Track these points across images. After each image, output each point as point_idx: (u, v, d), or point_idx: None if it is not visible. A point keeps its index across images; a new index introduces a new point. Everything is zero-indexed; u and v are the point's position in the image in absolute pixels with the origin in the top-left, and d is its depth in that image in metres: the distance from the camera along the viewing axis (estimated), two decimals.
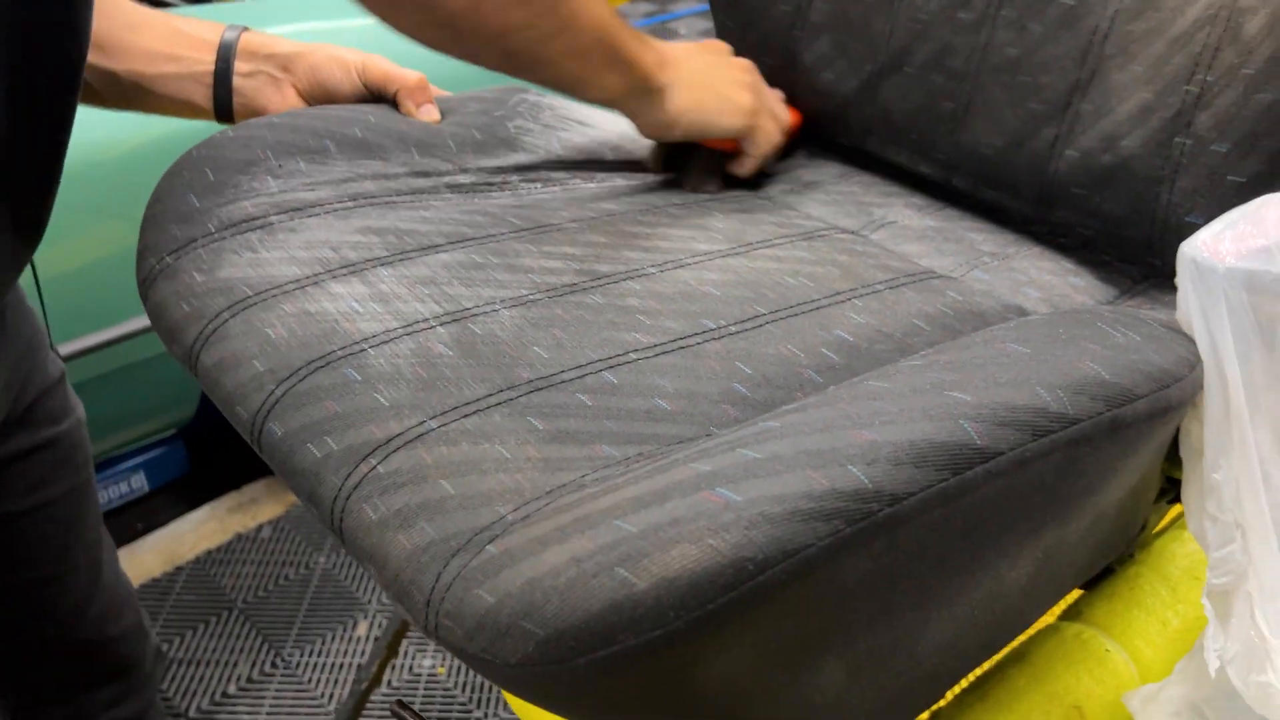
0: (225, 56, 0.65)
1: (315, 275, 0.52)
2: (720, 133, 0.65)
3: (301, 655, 1.53)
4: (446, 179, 0.64)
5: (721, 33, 0.79)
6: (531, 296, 0.52)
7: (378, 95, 0.68)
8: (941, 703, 0.56)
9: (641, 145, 0.73)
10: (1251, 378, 0.45)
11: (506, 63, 0.56)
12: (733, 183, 0.70)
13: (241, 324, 0.49)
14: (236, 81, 0.65)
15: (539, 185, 0.67)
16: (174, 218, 0.56)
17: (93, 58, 0.62)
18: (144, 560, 1.70)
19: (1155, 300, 0.58)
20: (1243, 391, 0.45)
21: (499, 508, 0.38)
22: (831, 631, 0.38)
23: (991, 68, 0.64)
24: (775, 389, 0.47)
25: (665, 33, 4.22)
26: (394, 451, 0.41)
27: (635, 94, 0.61)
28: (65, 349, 1.30)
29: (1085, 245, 0.63)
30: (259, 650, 1.54)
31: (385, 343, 0.47)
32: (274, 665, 1.52)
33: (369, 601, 1.63)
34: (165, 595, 1.63)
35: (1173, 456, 0.51)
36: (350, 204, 0.59)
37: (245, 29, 0.66)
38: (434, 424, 0.42)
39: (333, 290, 0.51)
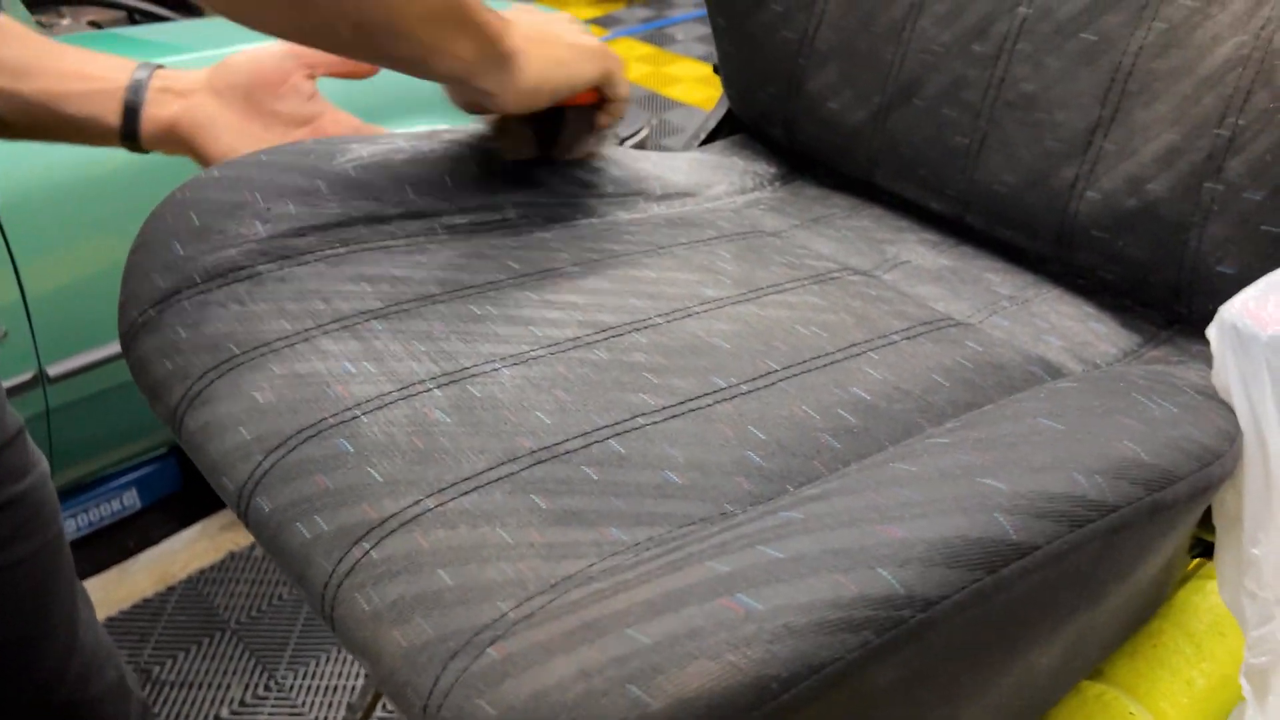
0: (139, 78, 0.63)
1: (306, 330, 0.50)
2: (586, 83, 0.61)
3: (295, 678, 1.51)
4: (443, 219, 0.61)
5: (724, 59, 0.77)
6: (533, 353, 0.50)
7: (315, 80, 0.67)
8: None
9: (633, 173, 0.70)
10: None
11: (357, 37, 0.52)
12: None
13: (228, 386, 0.47)
14: (149, 94, 0.63)
15: (539, 222, 0.65)
16: (157, 266, 0.53)
17: (3, 81, 0.61)
18: (136, 580, 1.67)
19: (1183, 350, 0.56)
20: None
21: (500, 603, 0.36)
22: None
23: (1006, 103, 0.62)
24: (791, 456, 0.44)
25: (663, 38, 4.19)
26: (388, 535, 0.39)
27: (488, 61, 0.55)
28: (55, 369, 1.28)
29: (1106, 288, 0.61)
30: (252, 672, 1.51)
31: (380, 408, 0.45)
32: (267, 688, 1.50)
33: None
34: (157, 616, 1.61)
35: (1203, 519, 0.49)
36: (342, 249, 0.57)
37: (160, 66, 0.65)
38: (431, 503, 0.40)
39: (324, 348, 0.49)
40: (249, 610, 1.62)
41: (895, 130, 0.67)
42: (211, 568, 1.70)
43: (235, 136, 0.64)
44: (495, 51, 0.55)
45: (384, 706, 1.46)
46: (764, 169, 0.76)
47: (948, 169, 0.65)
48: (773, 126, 0.75)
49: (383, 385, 0.46)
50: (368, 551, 0.39)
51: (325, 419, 0.44)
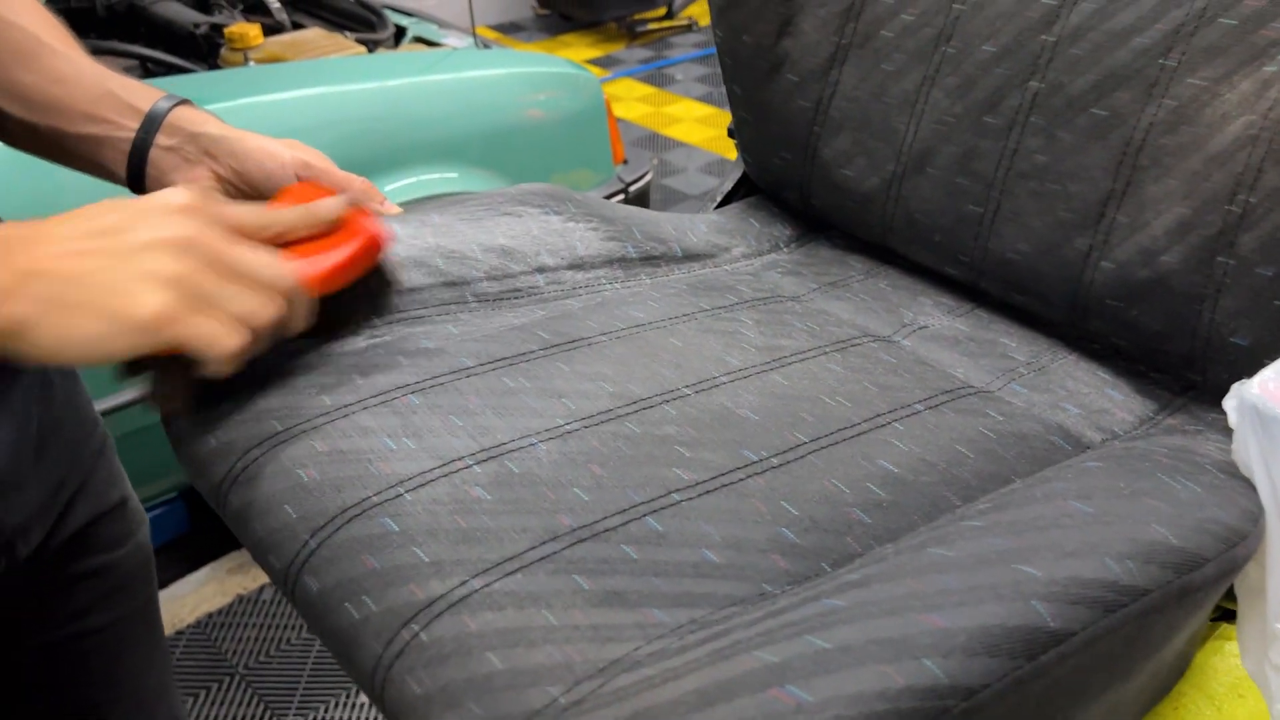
0: (149, 127, 0.60)
1: (346, 406, 0.51)
2: (115, 359, 0.44)
3: None
4: (473, 288, 0.63)
5: (740, 125, 0.79)
6: (567, 426, 0.51)
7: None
8: None
9: (655, 237, 0.72)
10: None
11: None
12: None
13: (272, 463, 0.48)
14: (153, 153, 0.61)
15: (566, 289, 0.66)
16: None
17: (15, 110, 0.60)
18: None
19: (1198, 419, 0.57)
20: None
21: (549, 688, 0.37)
22: None
23: (1019, 174, 0.63)
24: (824, 533, 0.45)
25: (663, 79, 4.23)
26: (436, 617, 0.40)
27: None
28: None
29: (1120, 354, 0.63)
30: (260, 717, 1.51)
31: (422, 486, 0.46)
32: None
33: None
34: None
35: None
36: (377, 321, 0.58)
37: (183, 101, 0.62)
38: (477, 584, 0.41)
39: (364, 424, 0.50)
40: (257, 655, 1.61)
41: (909, 198, 0.69)
42: (220, 612, 1.70)
43: None
44: None
45: None
46: (780, 231, 0.78)
47: (961, 236, 0.66)
48: (788, 190, 0.77)
49: (424, 462, 0.47)
50: (416, 634, 0.40)
51: (369, 497, 0.45)
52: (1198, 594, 0.40)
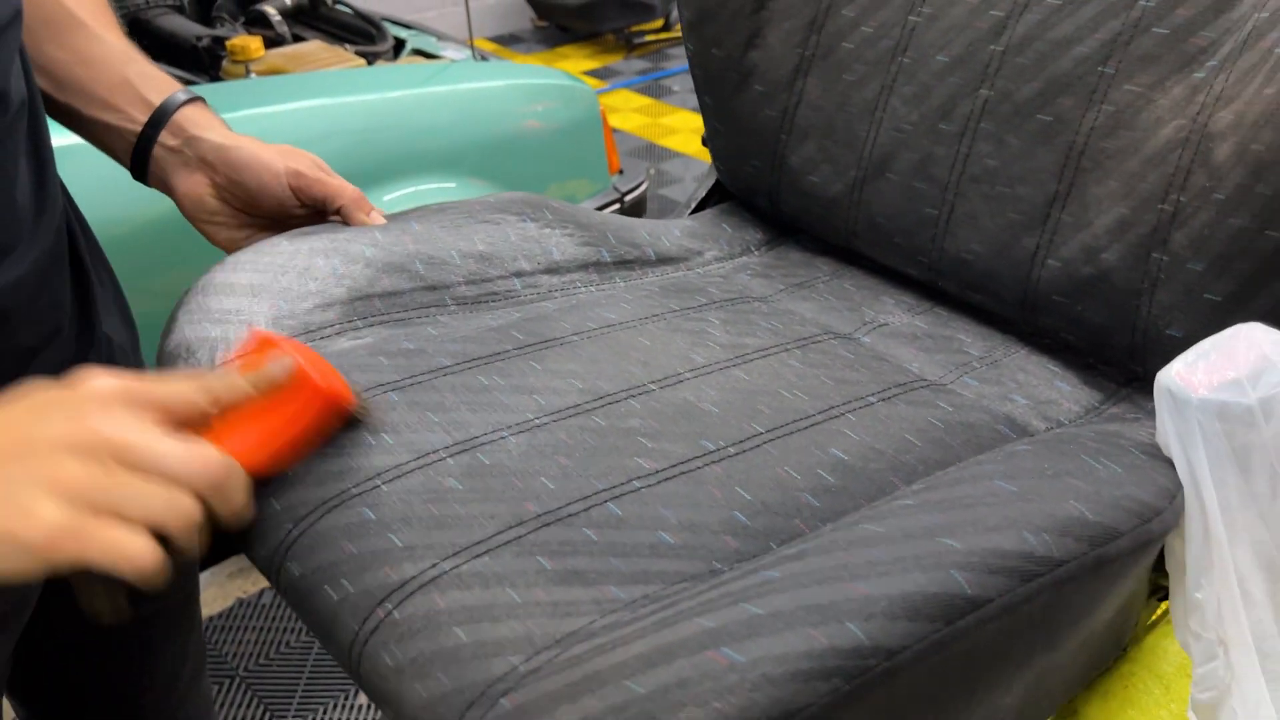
0: (156, 122, 0.62)
1: None
2: (16, 580, 0.40)
3: None
4: (452, 291, 0.66)
5: (712, 134, 0.82)
6: (537, 421, 0.54)
7: (311, 206, 0.66)
8: None
9: (629, 241, 0.75)
10: (1228, 501, 0.47)
11: None
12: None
13: None
14: (156, 151, 0.63)
15: (542, 291, 0.69)
16: (182, 347, 0.58)
17: (42, 82, 0.61)
18: None
19: (1139, 407, 0.60)
20: (1220, 515, 0.47)
21: (511, 658, 0.40)
22: None
23: (971, 178, 0.66)
24: (774, 516, 0.48)
25: (658, 90, 4.28)
26: (408, 596, 0.43)
27: None
28: None
29: (1069, 348, 0.65)
30: (260, 719, 1.54)
31: (397, 478, 0.49)
32: None
33: None
34: None
35: (1160, 564, 0.53)
36: (360, 324, 0.61)
37: (195, 99, 0.63)
38: (446, 565, 0.44)
39: None
40: (257, 658, 1.64)
41: (871, 201, 0.72)
42: (220, 615, 1.73)
43: (230, 234, 0.66)
44: None
45: None
46: (751, 235, 0.81)
47: (919, 238, 0.70)
48: (758, 196, 0.80)
49: (400, 455, 0.50)
50: (390, 612, 0.43)
51: (349, 489, 0.48)
52: (1114, 565, 0.43)
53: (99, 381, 0.43)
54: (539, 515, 0.47)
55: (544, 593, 0.43)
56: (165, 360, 0.58)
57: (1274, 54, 0.54)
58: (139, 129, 0.63)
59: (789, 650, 0.35)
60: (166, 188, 0.66)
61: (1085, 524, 0.42)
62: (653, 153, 3.67)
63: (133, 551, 0.40)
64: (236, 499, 0.44)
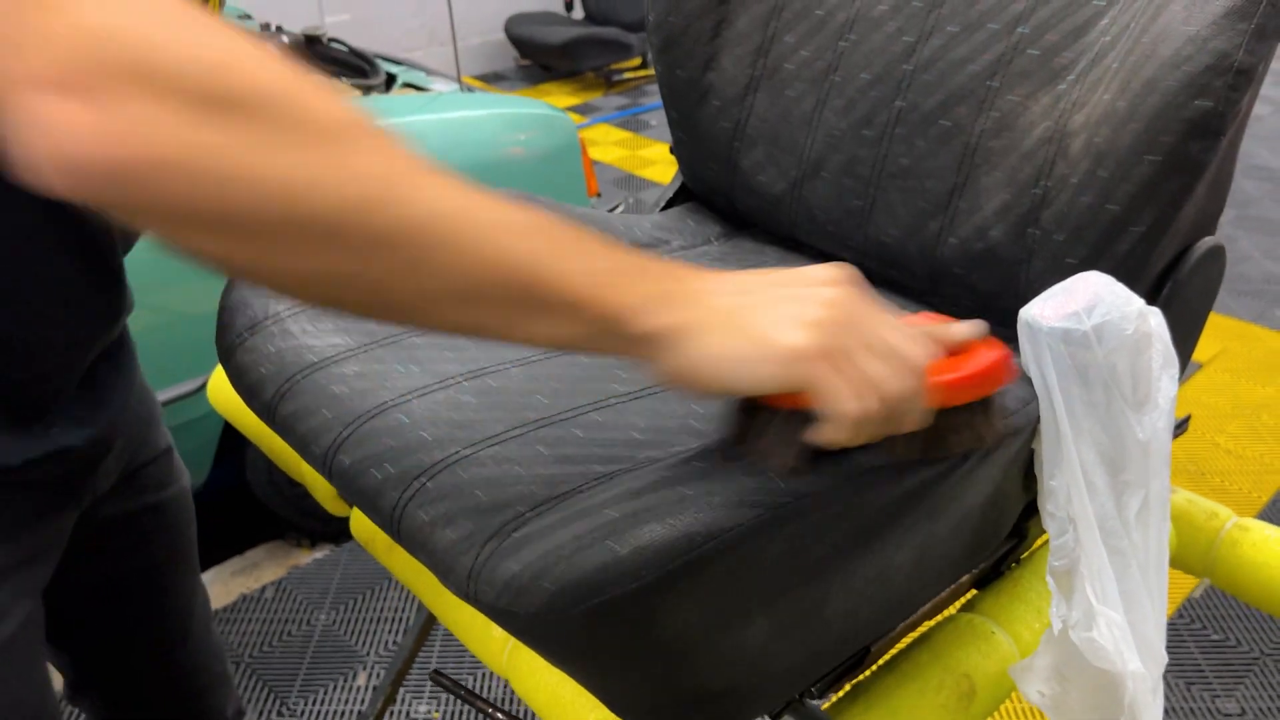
0: None
1: (364, 344, 0.67)
2: (752, 387, 0.47)
3: (305, 705, 1.64)
4: None
5: (678, 143, 0.96)
6: (534, 357, 0.67)
7: None
8: (861, 676, 0.71)
9: (605, 233, 0.88)
10: (1073, 409, 0.61)
11: (404, 314, 0.45)
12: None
13: (310, 384, 0.64)
14: None
15: None
16: (241, 309, 0.71)
17: None
18: None
19: (1018, 352, 0.74)
20: (1067, 419, 0.61)
21: (519, 508, 0.52)
22: (758, 594, 0.52)
23: (889, 175, 0.81)
24: (719, 420, 0.62)
25: (636, 124, 4.45)
26: (438, 473, 0.56)
27: (604, 339, 0.45)
28: None
29: (970, 314, 0.79)
30: (265, 701, 1.64)
31: (424, 395, 0.62)
32: (280, 714, 1.62)
33: (367, 654, 1.74)
34: None
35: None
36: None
37: None
38: (467, 452, 0.57)
39: (379, 355, 0.66)
40: (261, 646, 1.75)
41: (809, 198, 0.86)
42: (225, 609, 1.83)
43: None
44: (612, 332, 0.45)
45: (391, 714, 1.59)
46: (711, 229, 0.95)
47: (849, 226, 0.84)
48: (716, 195, 0.94)
49: (426, 379, 0.63)
50: (424, 484, 0.55)
51: (386, 401, 0.61)
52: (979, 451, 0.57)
53: (837, 269, 0.49)
54: (536, 420, 0.60)
55: (543, 469, 0.56)
56: (225, 311, 0.71)
57: (1112, 68, 0.68)
58: None
59: (727, 486, 0.49)
60: None
61: None
62: (631, 183, 3.83)
63: (847, 402, 0.45)
64: (918, 412, 0.49)
